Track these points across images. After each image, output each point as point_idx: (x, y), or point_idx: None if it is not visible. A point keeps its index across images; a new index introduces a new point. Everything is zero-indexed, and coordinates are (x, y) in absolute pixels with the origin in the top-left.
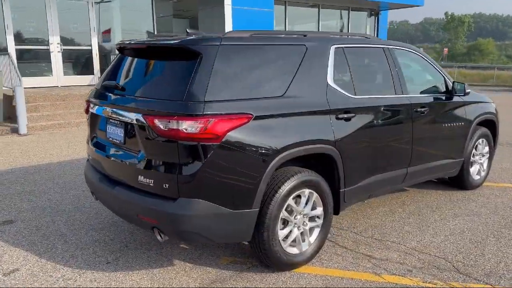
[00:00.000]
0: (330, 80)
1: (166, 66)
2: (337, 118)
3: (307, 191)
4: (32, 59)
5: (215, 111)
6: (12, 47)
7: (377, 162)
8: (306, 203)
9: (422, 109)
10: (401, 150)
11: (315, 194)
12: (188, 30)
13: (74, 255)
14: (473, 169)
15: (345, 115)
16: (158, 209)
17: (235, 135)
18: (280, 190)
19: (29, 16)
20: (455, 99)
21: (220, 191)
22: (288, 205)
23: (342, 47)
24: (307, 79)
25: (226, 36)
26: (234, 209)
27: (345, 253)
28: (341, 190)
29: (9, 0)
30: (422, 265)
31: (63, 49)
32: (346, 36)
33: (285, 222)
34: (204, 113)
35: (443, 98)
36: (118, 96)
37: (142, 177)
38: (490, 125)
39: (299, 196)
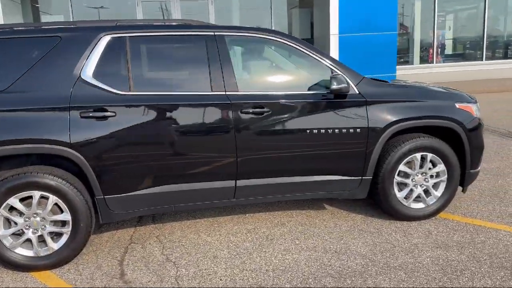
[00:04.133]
0: (86, 74)
1: None
2: (83, 117)
3: (37, 193)
4: None
5: None
6: None
7: (170, 170)
8: (46, 206)
9: (257, 110)
10: (212, 158)
11: (54, 198)
12: None
13: None
14: (403, 194)
15: (96, 114)
16: None
17: None
18: None
19: (155, 17)
20: (350, 97)
21: None
22: (12, 207)
23: (123, 36)
24: (49, 72)
25: None
26: None
27: (104, 268)
28: (97, 197)
29: (141, 5)
30: None
31: None
32: (143, 23)
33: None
34: None
35: (314, 95)
36: None
37: None
38: (449, 135)
39: (31, 197)
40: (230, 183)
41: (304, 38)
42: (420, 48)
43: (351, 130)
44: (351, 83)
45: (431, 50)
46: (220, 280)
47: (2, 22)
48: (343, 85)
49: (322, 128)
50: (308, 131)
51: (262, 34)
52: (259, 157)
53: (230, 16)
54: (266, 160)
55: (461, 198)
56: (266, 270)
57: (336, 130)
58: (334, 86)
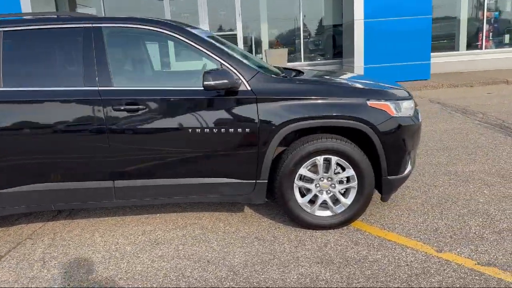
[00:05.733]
0: None
1: None
2: None
3: None
4: None
5: None
6: None
7: (41, 168)
8: None
9: (130, 107)
10: (86, 158)
11: None
12: None
13: None
14: (306, 199)
15: None
16: None
17: None
18: None
19: (183, 8)
20: (242, 94)
21: None
22: None
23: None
24: None
25: None
26: None
27: None
28: None
29: None
30: None
31: None
32: (20, 17)
33: None
34: None
35: (200, 92)
36: None
37: None
38: (362, 138)
39: None
40: (108, 183)
41: (336, 24)
42: (467, 33)
43: (239, 130)
44: (242, 78)
45: (480, 35)
46: (68, 285)
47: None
48: (220, 81)
49: (207, 128)
50: (190, 130)
51: (146, 25)
52: (137, 157)
53: (257, 2)
54: (145, 160)
55: (397, 206)
56: (120, 278)
57: (222, 130)
58: (207, 82)
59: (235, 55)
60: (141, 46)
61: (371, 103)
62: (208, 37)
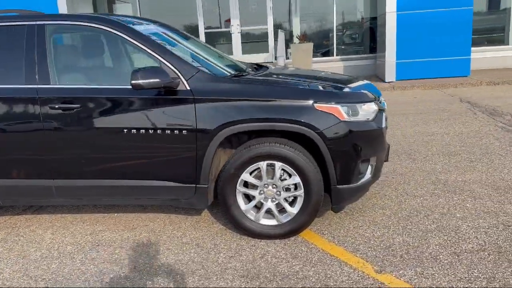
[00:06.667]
0: None
1: None
2: None
3: None
4: (218, 40)
5: None
6: (202, 31)
7: None
8: None
9: (66, 106)
10: (24, 156)
11: None
12: None
13: None
14: (249, 206)
15: None
16: None
17: None
18: None
19: (215, 2)
20: (181, 94)
21: None
22: None
23: None
24: None
25: None
26: None
27: None
28: None
29: None
30: None
31: (242, 30)
32: None
33: None
34: None
35: (137, 91)
36: None
37: None
38: (311, 143)
39: None
40: (48, 182)
41: (372, 17)
42: None
43: (176, 131)
44: (181, 77)
45: None
46: None
47: (66, 10)
48: (150, 80)
49: (143, 128)
50: (125, 130)
51: (87, 23)
52: (74, 157)
53: None
54: (82, 160)
55: (361, 217)
56: (43, 279)
57: (158, 131)
58: (135, 80)
59: (176, 52)
60: (87, 43)
61: (318, 105)
62: (155, 33)
